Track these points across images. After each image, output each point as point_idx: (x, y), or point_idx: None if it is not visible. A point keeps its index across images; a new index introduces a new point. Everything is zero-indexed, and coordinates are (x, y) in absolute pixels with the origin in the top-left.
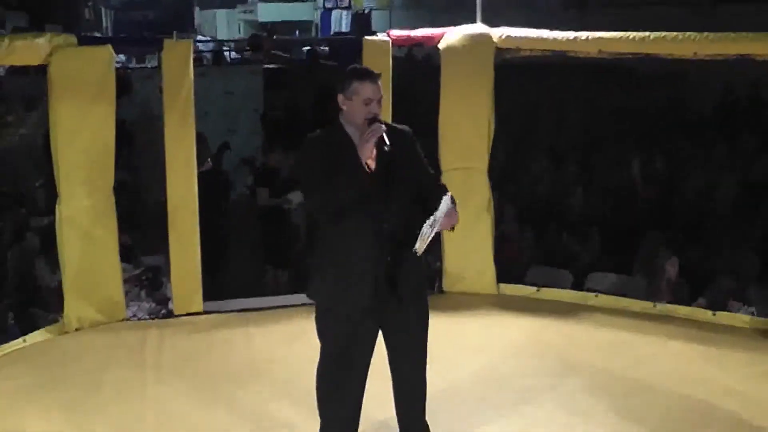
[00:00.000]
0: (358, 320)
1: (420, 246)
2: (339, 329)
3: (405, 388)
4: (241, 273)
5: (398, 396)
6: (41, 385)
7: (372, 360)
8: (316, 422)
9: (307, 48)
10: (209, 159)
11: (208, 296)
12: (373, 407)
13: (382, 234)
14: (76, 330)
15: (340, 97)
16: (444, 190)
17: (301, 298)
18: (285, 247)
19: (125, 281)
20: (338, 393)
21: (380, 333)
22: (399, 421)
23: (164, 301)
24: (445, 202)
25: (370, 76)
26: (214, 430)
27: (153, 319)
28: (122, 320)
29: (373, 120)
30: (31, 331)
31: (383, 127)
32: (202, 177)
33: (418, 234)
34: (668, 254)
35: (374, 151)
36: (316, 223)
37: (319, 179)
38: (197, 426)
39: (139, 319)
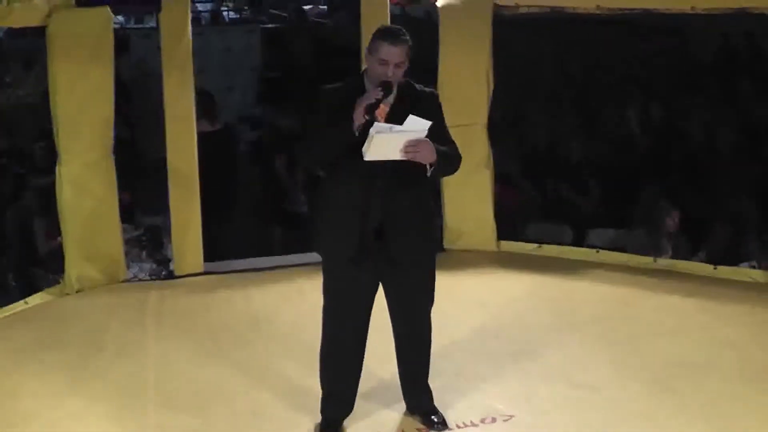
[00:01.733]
0: (349, 272)
1: (365, 148)
2: (333, 280)
3: (403, 346)
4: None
5: (398, 354)
6: (42, 345)
7: (379, 318)
8: (315, 378)
9: (295, 7)
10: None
11: (216, 256)
12: (376, 365)
13: (374, 189)
14: (77, 291)
15: (366, 52)
16: (453, 147)
17: (302, 257)
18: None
19: (126, 242)
20: (336, 346)
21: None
22: (400, 380)
23: (165, 261)
24: (412, 120)
25: (393, 37)
26: (215, 388)
27: (154, 279)
28: (123, 281)
29: (383, 84)
30: (32, 291)
31: (380, 94)
32: (212, 136)
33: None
34: (668, 205)
35: (385, 110)
36: (316, 176)
37: (315, 130)
38: (198, 384)
39: (139, 279)
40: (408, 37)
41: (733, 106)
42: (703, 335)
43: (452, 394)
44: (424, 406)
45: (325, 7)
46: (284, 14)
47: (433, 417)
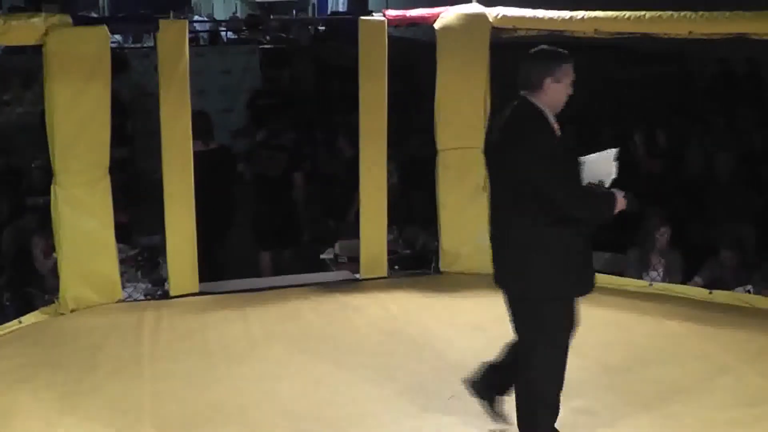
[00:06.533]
0: (575, 305)
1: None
2: (570, 318)
3: None
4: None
5: None
6: (36, 365)
7: None
8: (311, 399)
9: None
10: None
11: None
12: None
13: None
14: (72, 311)
15: (548, 79)
16: None
17: (297, 278)
18: (287, 225)
19: (121, 262)
20: (562, 379)
21: None
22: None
23: (160, 281)
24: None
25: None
26: (210, 409)
27: (149, 299)
28: (118, 301)
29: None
30: (26, 310)
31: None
32: (209, 155)
33: None
34: (664, 229)
35: None
36: (533, 215)
37: (571, 169)
38: (193, 405)
39: (135, 300)
40: None
41: (733, 131)
42: (699, 361)
43: (449, 417)
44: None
45: (324, 28)
46: (283, 35)
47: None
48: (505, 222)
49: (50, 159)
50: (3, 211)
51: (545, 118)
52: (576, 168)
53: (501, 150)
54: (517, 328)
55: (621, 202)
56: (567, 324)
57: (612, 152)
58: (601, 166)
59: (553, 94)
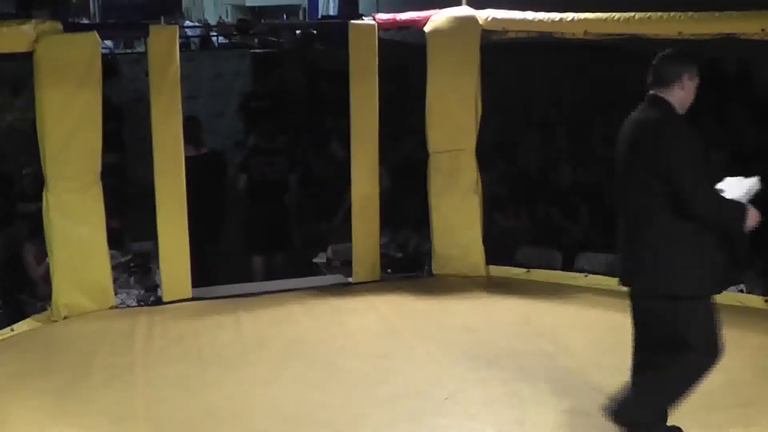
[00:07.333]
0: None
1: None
2: (713, 315)
3: None
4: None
5: None
6: (30, 372)
7: None
8: (305, 403)
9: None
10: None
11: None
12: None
13: None
14: (65, 318)
15: (685, 75)
16: None
17: (290, 283)
18: (280, 229)
19: (114, 268)
20: (696, 381)
21: None
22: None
23: (153, 287)
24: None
25: None
26: (205, 414)
27: (142, 306)
28: (111, 308)
29: None
30: (18, 318)
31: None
32: (200, 160)
33: None
34: None
35: None
36: (670, 211)
37: (705, 168)
38: (187, 410)
39: (128, 306)
40: None
41: (724, 130)
42: None
43: (444, 419)
44: None
45: (315, 32)
46: (273, 39)
47: None
48: (639, 220)
49: (41, 165)
50: None
51: (679, 113)
52: (707, 167)
53: (638, 144)
54: (648, 328)
55: (753, 215)
56: (705, 324)
57: (753, 182)
58: (736, 187)
59: (686, 93)
